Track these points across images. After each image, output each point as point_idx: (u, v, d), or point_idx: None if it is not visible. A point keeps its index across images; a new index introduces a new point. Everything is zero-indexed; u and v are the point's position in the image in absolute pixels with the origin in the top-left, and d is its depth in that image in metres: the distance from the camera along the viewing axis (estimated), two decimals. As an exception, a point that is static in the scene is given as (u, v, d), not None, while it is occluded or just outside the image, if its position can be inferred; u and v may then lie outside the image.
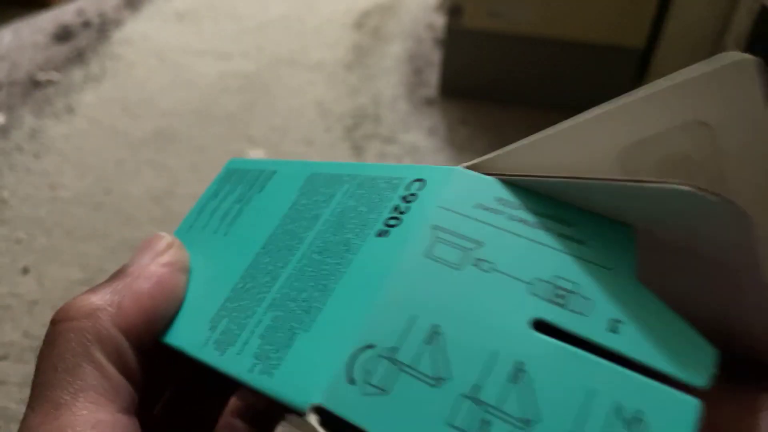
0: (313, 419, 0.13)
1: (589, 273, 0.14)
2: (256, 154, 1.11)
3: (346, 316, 0.14)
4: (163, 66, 1.36)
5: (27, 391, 0.70)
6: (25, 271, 0.85)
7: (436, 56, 1.43)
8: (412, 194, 0.17)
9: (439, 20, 1.60)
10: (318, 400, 0.13)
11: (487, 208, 0.16)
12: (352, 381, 0.13)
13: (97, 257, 0.87)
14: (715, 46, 1.16)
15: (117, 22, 1.51)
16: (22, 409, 0.64)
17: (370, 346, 0.13)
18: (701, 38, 1.16)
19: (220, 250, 0.19)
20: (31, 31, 1.42)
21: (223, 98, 1.26)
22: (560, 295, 0.14)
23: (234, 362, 0.15)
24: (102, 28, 1.48)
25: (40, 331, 0.77)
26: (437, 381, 0.13)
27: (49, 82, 1.26)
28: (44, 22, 1.46)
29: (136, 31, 1.48)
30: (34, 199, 0.97)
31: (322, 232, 0.18)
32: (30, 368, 0.73)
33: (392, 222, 0.17)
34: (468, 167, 0.17)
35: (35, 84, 1.25)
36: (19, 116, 1.15)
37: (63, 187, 1.00)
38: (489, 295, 0.14)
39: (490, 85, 1.29)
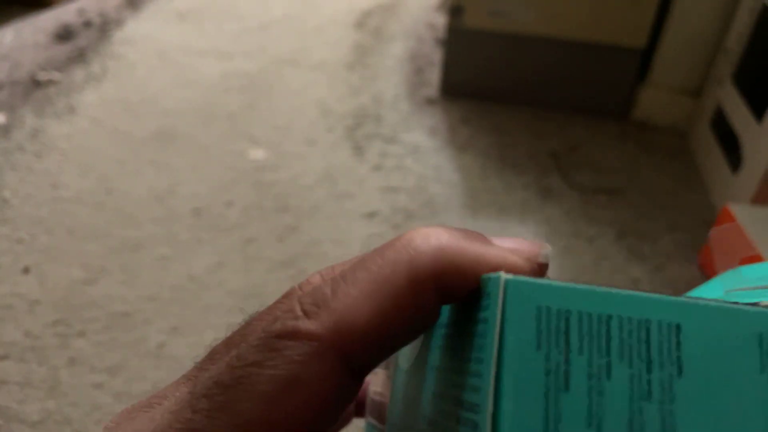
0: None
1: None
2: (257, 153, 1.11)
3: None
4: (165, 66, 1.36)
5: (28, 391, 0.70)
6: (27, 270, 0.85)
7: (437, 56, 1.43)
8: None
9: (440, 20, 1.60)
10: None
11: None
12: None
13: (98, 257, 0.87)
14: (717, 47, 1.15)
15: (118, 22, 1.52)
16: (23, 408, 0.64)
17: None
18: (703, 38, 1.16)
19: None
20: (32, 30, 1.43)
21: (224, 98, 1.26)
22: None
23: None
24: (103, 27, 1.48)
25: (42, 331, 0.77)
26: None
27: (51, 82, 1.26)
28: (45, 21, 1.46)
29: (138, 31, 1.49)
30: (36, 199, 0.97)
31: None
32: (31, 368, 0.73)
33: None
34: None
35: (36, 84, 1.25)
36: (21, 116, 1.15)
37: (64, 186, 1.00)
38: None
39: (491, 84, 1.29)
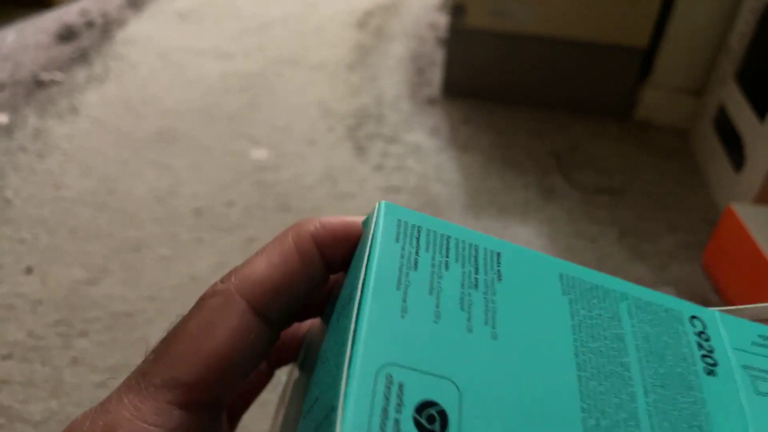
0: None
1: None
2: (258, 153, 1.11)
3: None
4: (166, 66, 1.36)
5: (30, 391, 0.71)
6: (29, 270, 0.85)
7: (438, 56, 1.43)
8: (703, 333, 0.19)
9: (442, 20, 1.60)
10: None
11: (760, 344, 0.19)
12: None
13: (100, 257, 0.88)
14: (719, 46, 1.15)
15: (120, 22, 1.52)
16: (26, 408, 0.64)
17: None
18: (705, 37, 1.16)
19: (500, 360, 0.15)
20: (34, 31, 1.43)
21: (225, 98, 1.27)
22: None
23: None
24: (105, 28, 1.48)
25: (44, 330, 0.77)
26: None
27: (53, 82, 1.26)
28: (48, 22, 1.46)
29: (139, 31, 1.49)
30: (38, 199, 0.97)
31: (643, 360, 0.17)
32: (33, 367, 0.73)
33: (709, 361, 0.18)
34: (723, 311, 0.20)
35: (39, 84, 1.25)
36: (23, 116, 1.15)
37: (66, 186, 1.00)
38: None
39: (492, 84, 1.29)
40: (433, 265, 0.17)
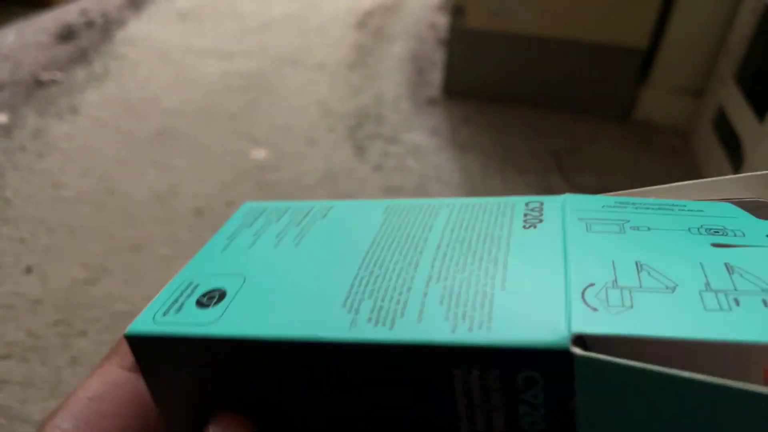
0: (578, 350, 0.14)
1: (726, 223, 0.18)
2: (258, 153, 1.11)
3: (543, 273, 0.16)
4: (166, 65, 1.36)
5: (29, 391, 0.71)
6: (28, 270, 0.85)
7: (438, 56, 1.43)
8: (537, 208, 0.19)
9: (442, 20, 1.60)
10: (574, 330, 0.14)
11: (612, 207, 0.19)
12: (594, 309, 0.14)
13: (100, 256, 0.87)
14: (719, 46, 1.15)
15: (120, 22, 1.52)
16: (25, 408, 0.64)
17: (591, 285, 0.15)
18: (704, 38, 1.16)
19: (292, 260, 0.18)
20: (34, 30, 1.43)
21: (225, 98, 1.27)
22: (716, 231, 0.17)
23: (420, 331, 0.15)
24: (105, 27, 1.48)
25: (44, 330, 0.77)
26: (671, 288, 0.15)
27: (53, 82, 1.26)
28: (47, 21, 1.46)
29: (139, 31, 1.49)
30: (38, 199, 0.97)
31: (448, 231, 0.18)
32: (33, 367, 0.73)
33: (532, 220, 0.18)
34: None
35: (38, 84, 1.25)
36: (23, 116, 1.15)
37: (66, 186, 1.00)
38: (665, 238, 0.17)
39: (492, 84, 1.29)
40: (264, 223, 0.20)
